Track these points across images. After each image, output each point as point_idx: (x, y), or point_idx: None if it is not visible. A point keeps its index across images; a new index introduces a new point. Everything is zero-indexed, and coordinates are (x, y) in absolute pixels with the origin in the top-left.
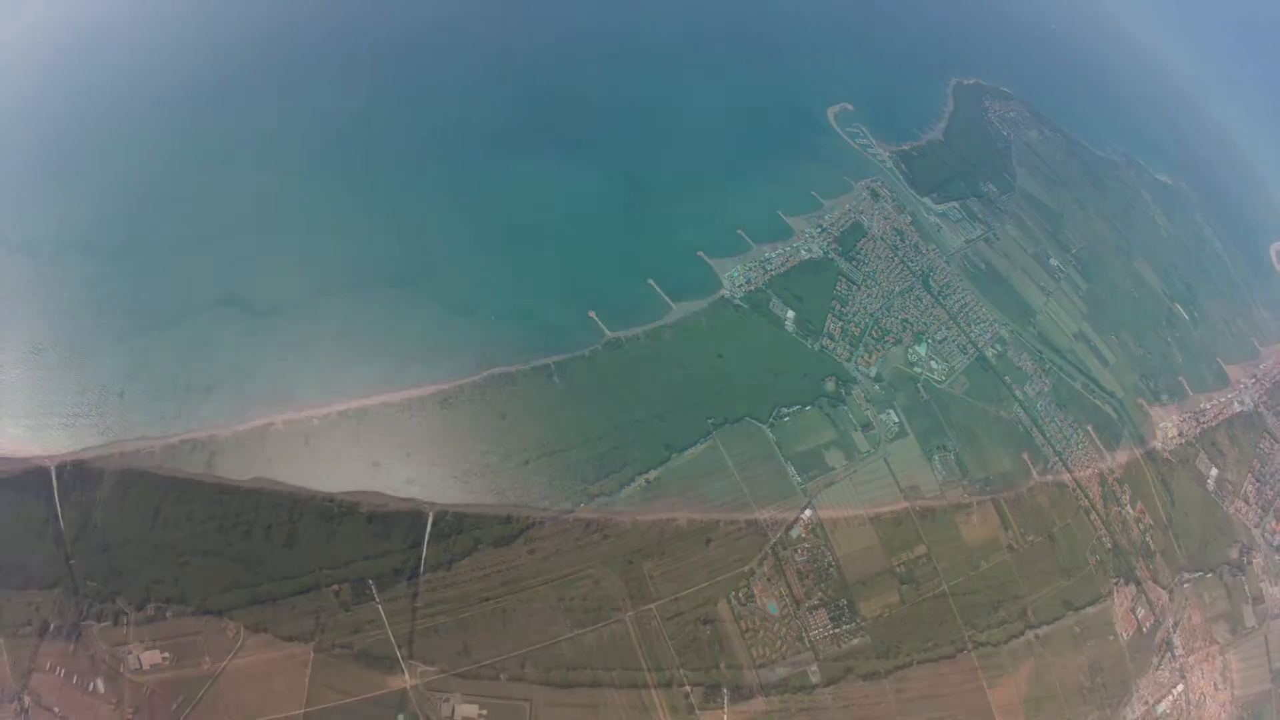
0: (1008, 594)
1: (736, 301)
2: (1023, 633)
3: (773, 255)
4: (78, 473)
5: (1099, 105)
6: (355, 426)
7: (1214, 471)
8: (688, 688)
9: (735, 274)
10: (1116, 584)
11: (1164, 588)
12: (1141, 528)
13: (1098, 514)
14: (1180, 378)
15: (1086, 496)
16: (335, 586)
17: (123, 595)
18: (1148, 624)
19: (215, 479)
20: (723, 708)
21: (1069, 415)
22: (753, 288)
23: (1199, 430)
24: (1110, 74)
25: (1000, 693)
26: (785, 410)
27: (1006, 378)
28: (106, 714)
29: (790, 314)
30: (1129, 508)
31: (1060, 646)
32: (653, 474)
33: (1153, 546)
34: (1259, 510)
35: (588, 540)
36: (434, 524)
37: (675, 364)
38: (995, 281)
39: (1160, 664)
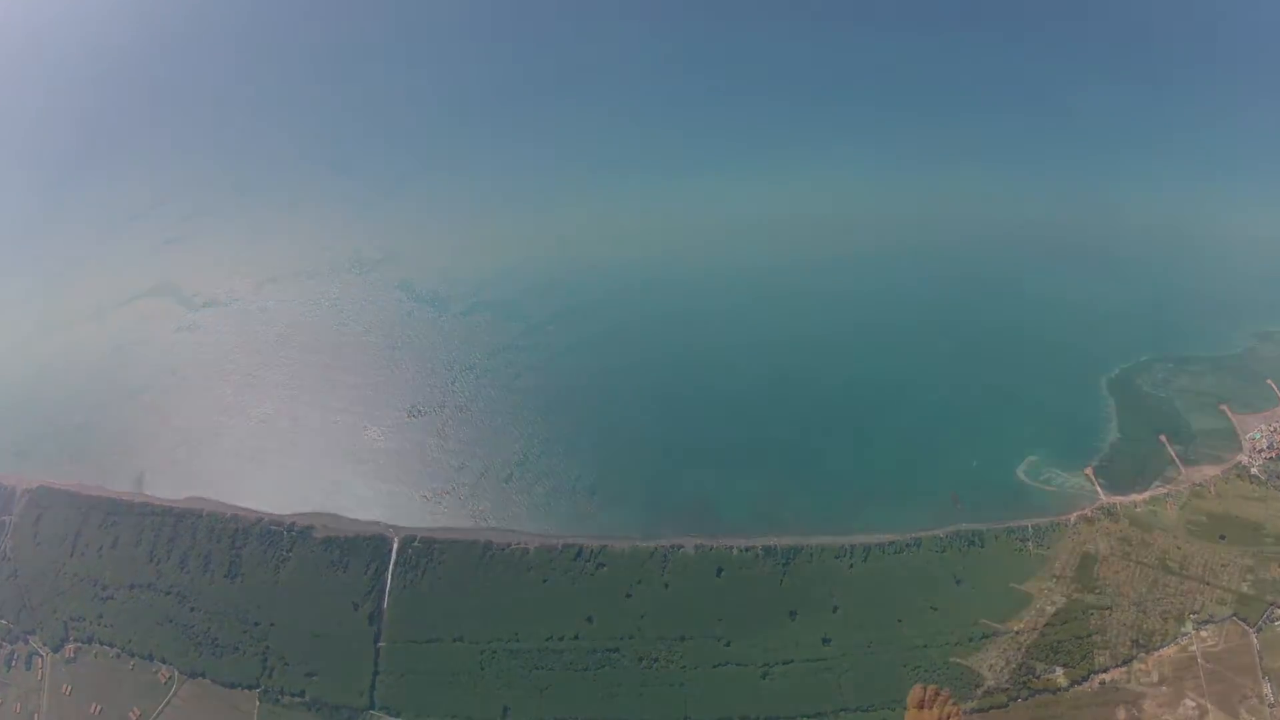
0: None
1: (1253, 471)
2: None
3: None
4: None
5: None
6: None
7: None
8: None
9: (1257, 435)
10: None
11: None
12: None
13: None
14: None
15: None
16: None
17: (37, 634)
18: None
19: (145, 499)
20: None
21: None
22: (1273, 454)
23: None
24: None
25: None
26: None
27: None
28: None
29: None
30: None
31: None
32: (1110, 674)
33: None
34: None
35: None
36: None
37: (1171, 542)
38: None
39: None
